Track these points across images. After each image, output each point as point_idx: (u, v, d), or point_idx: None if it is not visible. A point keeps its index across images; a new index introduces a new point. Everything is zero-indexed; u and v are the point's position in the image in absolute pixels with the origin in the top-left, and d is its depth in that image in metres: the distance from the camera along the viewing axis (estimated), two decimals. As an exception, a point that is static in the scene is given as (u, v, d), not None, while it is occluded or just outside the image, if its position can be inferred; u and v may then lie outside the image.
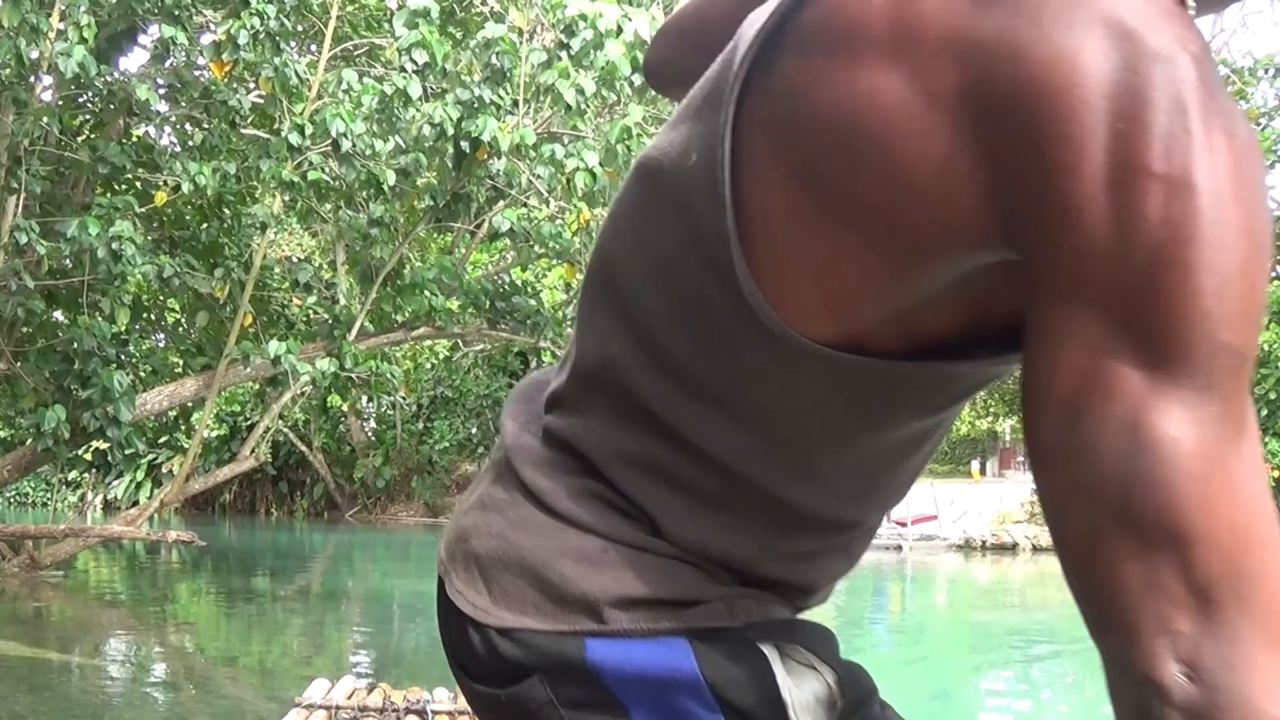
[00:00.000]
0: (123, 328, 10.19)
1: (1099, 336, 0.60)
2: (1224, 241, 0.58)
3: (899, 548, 20.38)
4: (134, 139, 11.98)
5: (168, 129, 12.17)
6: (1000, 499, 24.60)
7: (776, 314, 0.74)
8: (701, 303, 0.79)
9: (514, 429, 0.95)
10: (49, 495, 29.74)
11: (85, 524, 13.25)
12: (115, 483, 28.57)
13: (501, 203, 11.30)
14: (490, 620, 0.85)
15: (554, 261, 13.94)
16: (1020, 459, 52.71)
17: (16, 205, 9.82)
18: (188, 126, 11.73)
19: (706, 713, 0.79)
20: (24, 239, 9.39)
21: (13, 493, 30.94)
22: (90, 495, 29.70)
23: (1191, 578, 0.57)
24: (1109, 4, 0.62)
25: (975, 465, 41.02)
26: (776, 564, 0.87)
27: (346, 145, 9.82)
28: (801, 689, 0.81)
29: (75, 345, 9.99)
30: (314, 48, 11.52)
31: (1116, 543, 0.59)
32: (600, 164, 10.00)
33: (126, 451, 11.20)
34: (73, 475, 28.48)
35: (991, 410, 51.62)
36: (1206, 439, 0.59)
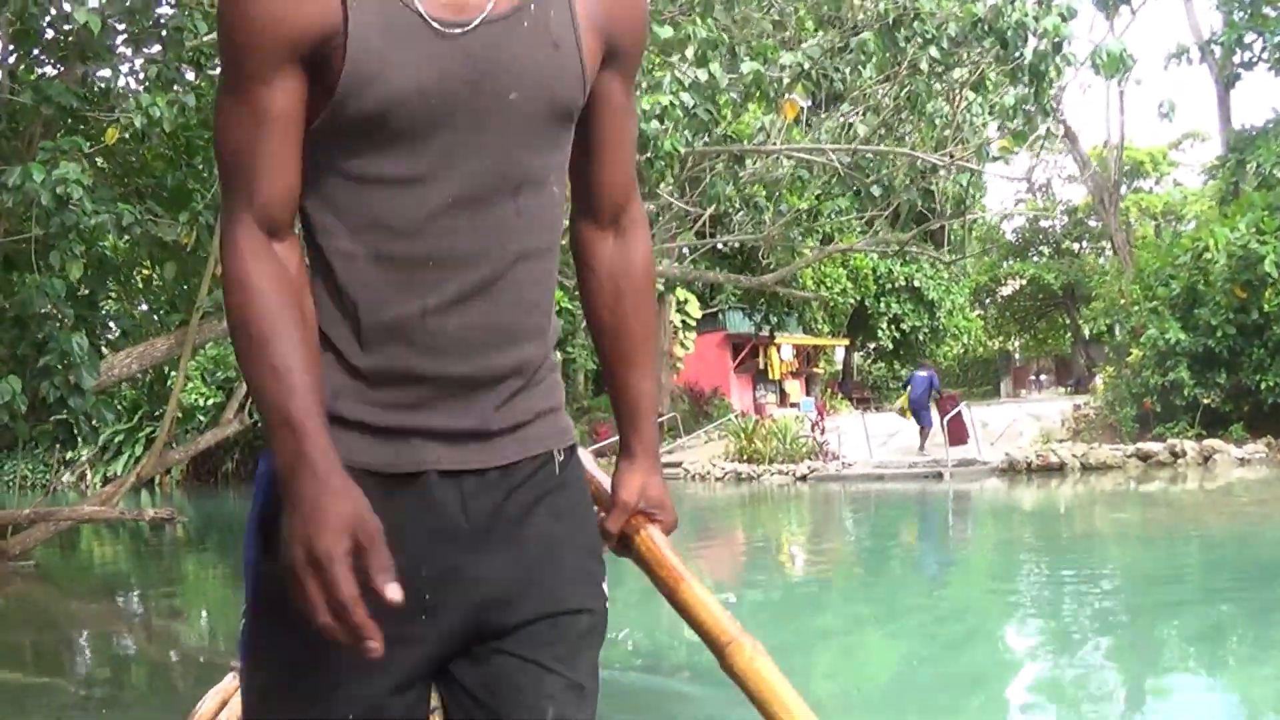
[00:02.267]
0: (75, 281, 9.08)
1: None
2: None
3: (939, 475, 19.26)
4: (94, 88, 10.91)
5: (130, 75, 11.11)
6: (1038, 418, 23.56)
7: None
8: None
9: None
10: (47, 476, 28.54)
11: (56, 507, 12.16)
12: (113, 460, 27.70)
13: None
14: None
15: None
16: (1032, 377, 51.71)
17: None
18: (150, 69, 10.64)
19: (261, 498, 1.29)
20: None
21: (10, 475, 29.98)
22: (89, 474, 28.74)
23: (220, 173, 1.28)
24: None
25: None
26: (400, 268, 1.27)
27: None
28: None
29: (28, 307, 8.87)
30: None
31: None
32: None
33: (98, 426, 10.10)
34: (70, 455, 27.42)
35: (1004, 329, 50.54)
36: (221, 100, 1.24)
